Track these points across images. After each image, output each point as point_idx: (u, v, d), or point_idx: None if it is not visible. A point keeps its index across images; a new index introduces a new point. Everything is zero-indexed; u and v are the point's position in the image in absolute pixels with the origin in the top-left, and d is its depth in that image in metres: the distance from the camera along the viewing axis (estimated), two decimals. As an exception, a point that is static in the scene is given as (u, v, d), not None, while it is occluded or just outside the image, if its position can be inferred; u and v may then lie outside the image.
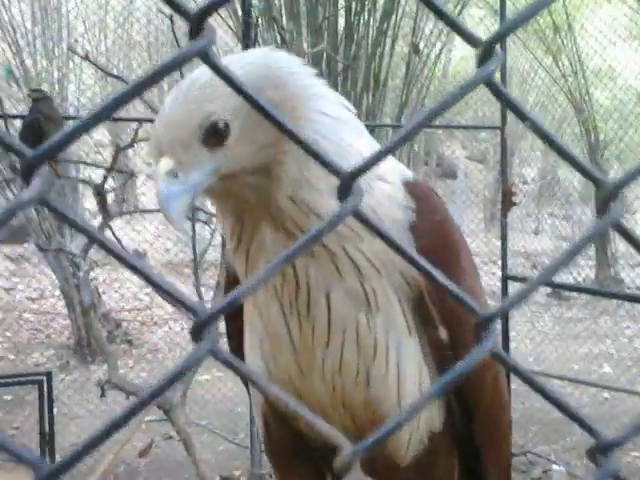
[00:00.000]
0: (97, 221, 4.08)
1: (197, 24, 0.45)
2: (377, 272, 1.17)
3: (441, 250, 1.19)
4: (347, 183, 0.53)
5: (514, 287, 4.44)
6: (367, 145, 1.19)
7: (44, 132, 3.31)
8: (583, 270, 10.65)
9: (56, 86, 7.73)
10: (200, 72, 1.07)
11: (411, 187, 1.21)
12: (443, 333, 1.24)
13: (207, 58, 0.46)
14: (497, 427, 1.46)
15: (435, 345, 1.26)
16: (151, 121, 4.46)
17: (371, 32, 5.65)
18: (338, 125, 1.14)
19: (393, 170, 1.23)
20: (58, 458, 4.35)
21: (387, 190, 1.18)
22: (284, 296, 1.19)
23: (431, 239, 1.19)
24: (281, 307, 1.21)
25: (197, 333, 0.50)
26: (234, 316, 1.39)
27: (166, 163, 1.05)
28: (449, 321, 1.24)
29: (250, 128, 1.07)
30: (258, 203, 1.13)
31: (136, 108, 7.51)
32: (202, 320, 0.49)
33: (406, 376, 1.24)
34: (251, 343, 1.34)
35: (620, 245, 10.29)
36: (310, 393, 1.27)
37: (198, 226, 4.29)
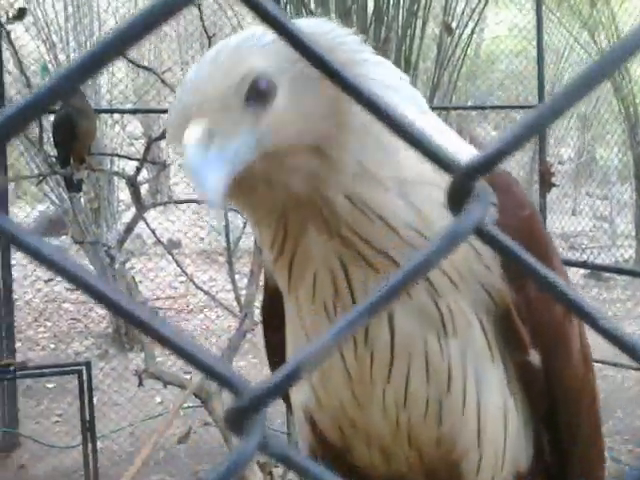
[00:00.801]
0: (131, 212, 4.12)
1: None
2: (454, 287, 0.97)
3: (531, 251, 1.03)
4: (464, 184, 0.39)
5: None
6: (430, 120, 1.01)
7: (76, 126, 3.34)
8: (621, 250, 10.40)
9: (89, 80, 7.81)
10: (229, 39, 0.93)
11: (491, 177, 1.04)
12: (535, 357, 1.03)
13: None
14: (593, 462, 1.23)
15: (523, 372, 1.05)
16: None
17: (401, 13, 5.55)
18: (391, 93, 0.93)
19: (468, 156, 1.05)
20: (99, 445, 4.45)
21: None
22: (337, 315, 0.99)
23: (519, 239, 1.01)
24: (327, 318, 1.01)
25: (239, 420, 0.37)
26: (271, 326, 1.22)
27: (196, 128, 0.83)
28: (543, 342, 1.04)
29: (300, 93, 0.88)
30: (306, 199, 0.92)
31: (167, 98, 7.56)
32: (246, 405, 0.37)
33: (488, 410, 1.03)
34: None
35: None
36: (368, 425, 1.08)
37: (231, 214, 4.30)
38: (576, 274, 9.24)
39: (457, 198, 0.39)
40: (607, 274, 9.51)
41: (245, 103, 0.86)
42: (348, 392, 1.05)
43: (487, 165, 0.39)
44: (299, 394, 1.13)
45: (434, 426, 1.04)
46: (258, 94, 0.86)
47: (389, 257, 0.93)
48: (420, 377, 1.01)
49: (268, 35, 0.87)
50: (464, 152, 0.98)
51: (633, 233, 10.13)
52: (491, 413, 1.04)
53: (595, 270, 8.39)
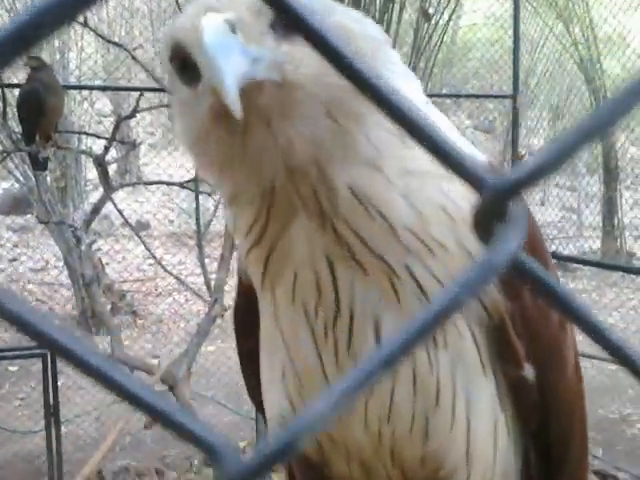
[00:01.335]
0: (99, 192, 4.02)
1: None
2: None
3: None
4: (497, 206, 0.33)
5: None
6: (435, 113, 0.94)
7: (43, 102, 3.22)
8: (589, 241, 10.58)
9: (57, 54, 7.60)
10: None
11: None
12: (529, 371, 0.97)
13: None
14: (581, 473, 1.19)
15: (516, 386, 0.99)
16: (153, 90, 4.37)
17: (378, -2, 5.50)
18: (403, 83, 0.86)
19: (468, 152, 0.91)
20: (63, 429, 4.36)
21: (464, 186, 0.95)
22: (318, 320, 0.91)
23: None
24: (312, 333, 0.93)
25: None
26: (245, 331, 1.10)
27: (218, 16, 0.74)
28: (538, 353, 0.98)
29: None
30: (303, 176, 0.81)
31: (138, 76, 7.39)
32: None
33: (478, 426, 0.97)
34: (270, 374, 1.05)
35: (627, 215, 10.21)
36: (348, 439, 1.00)
37: (202, 197, 4.23)
38: (543, 264, 9.36)
39: (488, 221, 0.33)
40: (574, 265, 9.67)
41: (270, 25, 0.78)
42: None
43: (526, 184, 0.33)
44: (273, 402, 1.05)
45: (419, 443, 0.97)
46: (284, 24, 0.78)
47: (382, 259, 0.87)
48: (406, 390, 0.93)
49: None
50: (467, 149, 0.93)
51: (600, 225, 10.31)
52: (481, 430, 0.97)
53: (563, 261, 8.50)
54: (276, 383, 1.02)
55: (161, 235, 10.17)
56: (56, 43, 7.70)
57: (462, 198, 0.87)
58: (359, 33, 0.85)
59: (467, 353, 0.94)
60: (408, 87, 0.88)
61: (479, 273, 0.32)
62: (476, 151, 0.97)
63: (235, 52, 0.71)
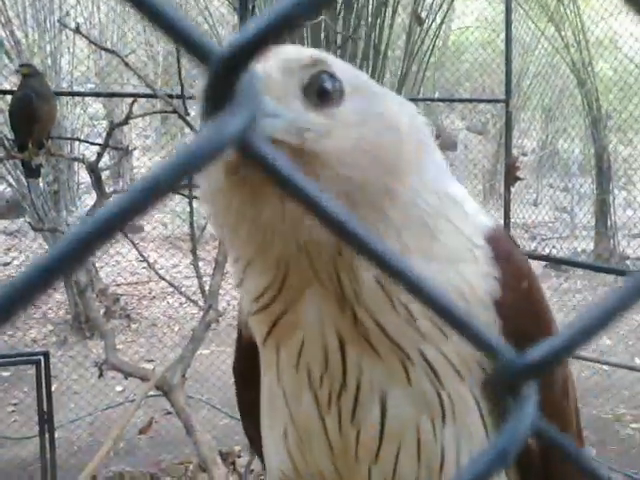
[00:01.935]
0: (92, 195, 4.01)
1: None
2: (459, 377, 0.88)
3: (533, 329, 0.93)
4: (512, 383, 0.33)
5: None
6: (469, 201, 0.91)
7: (35, 109, 3.22)
8: (581, 242, 10.62)
9: (49, 59, 7.58)
10: None
11: (495, 245, 0.91)
12: (532, 442, 0.95)
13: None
14: None
15: (521, 457, 0.94)
16: (146, 96, 4.38)
17: (371, 1, 5.52)
18: (445, 178, 0.88)
19: (476, 221, 0.92)
20: (57, 435, 4.35)
21: (477, 258, 0.88)
22: (322, 389, 0.89)
23: (521, 317, 0.92)
24: (315, 398, 0.90)
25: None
26: (245, 383, 1.08)
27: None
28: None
29: (364, 125, 0.77)
30: (325, 253, 0.78)
31: (130, 80, 7.37)
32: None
33: None
34: (271, 431, 1.02)
35: (620, 216, 10.25)
36: None
37: (196, 201, 4.22)
38: (535, 263, 9.41)
39: (501, 394, 0.33)
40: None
41: (303, 91, 0.76)
42: (329, 464, 0.95)
43: (542, 368, 0.33)
44: (273, 457, 1.02)
45: None
46: (320, 91, 0.77)
47: (399, 346, 0.84)
48: (410, 458, 0.91)
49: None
50: (475, 213, 0.92)
51: (592, 225, 10.35)
52: None
53: (556, 263, 8.55)
54: (277, 439, 1.00)
55: (155, 238, 10.15)
56: (48, 48, 7.69)
57: (477, 277, 0.87)
58: (407, 126, 0.82)
59: (473, 426, 0.92)
60: (448, 185, 0.88)
61: (501, 450, 0.32)
62: (487, 218, 0.96)
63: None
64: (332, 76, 0.77)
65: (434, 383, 0.87)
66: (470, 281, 0.87)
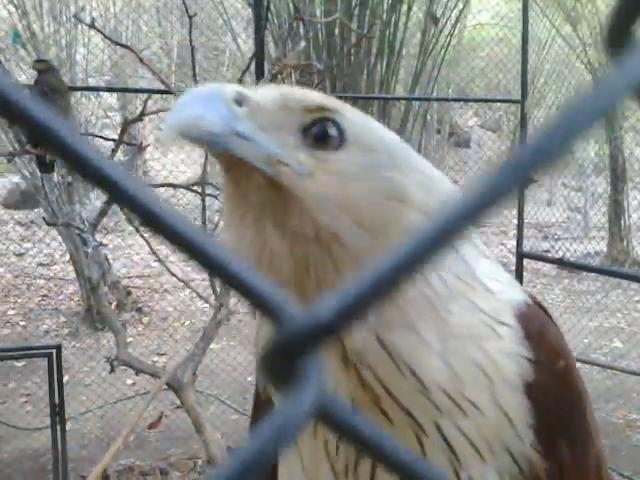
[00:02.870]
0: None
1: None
2: (480, 458, 0.82)
3: (566, 415, 0.87)
4: (294, 354, 0.32)
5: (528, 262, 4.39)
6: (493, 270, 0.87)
7: (50, 105, 3.24)
8: (594, 243, 10.56)
9: (64, 52, 7.62)
10: None
11: (526, 323, 0.86)
12: (537, 459, 0.88)
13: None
14: None
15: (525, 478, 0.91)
16: (160, 92, 4.38)
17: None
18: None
19: (503, 297, 0.86)
20: (68, 427, 4.40)
21: (502, 338, 0.83)
22: (339, 460, 0.85)
23: (553, 401, 0.86)
24: (333, 469, 0.86)
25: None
26: None
27: (236, 87, 0.72)
28: None
29: (363, 177, 0.75)
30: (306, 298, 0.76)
31: (145, 76, 7.40)
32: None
33: None
34: None
35: (633, 217, 10.17)
36: None
37: (208, 198, 4.24)
38: (548, 265, 9.36)
39: (276, 370, 0.33)
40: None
41: (303, 132, 0.76)
42: None
43: (332, 327, 0.32)
44: None
45: None
46: (319, 135, 0.76)
47: (409, 414, 0.79)
48: None
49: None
50: (505, 287, 0.87)
51: (606, 225, 10.28)
52: None
53: (569, 266, 8.49)
54: None
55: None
56: (63, 41, 7.72)
57: (502, 355, 0.82)
58: (420, 203, 0.78)
59: None
60: (473, 264, 0.83)
61: None
62: (519, 293, 0.90)
63: (217, 109, 0.69)
64: (336, 124, 0.76)
65: (452, 462, 0.81)
66: (494, 359, 0.82)
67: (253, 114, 0.72)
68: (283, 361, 0.31)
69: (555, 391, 0.85)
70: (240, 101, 0.72)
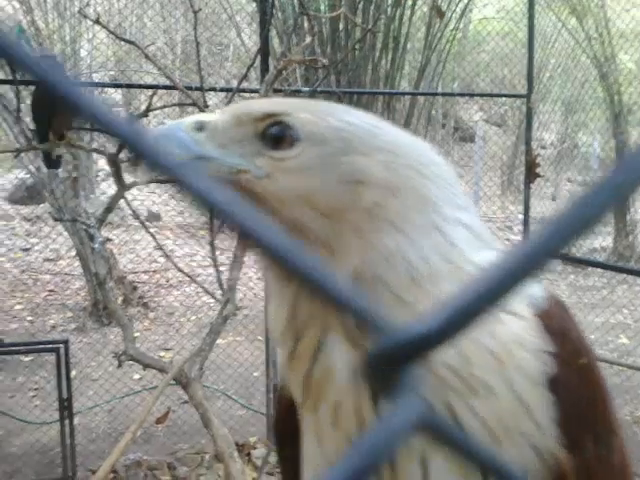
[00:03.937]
0: (111, 181, 4.05)
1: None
2: (497, 443, 0.82)
3: (588, 411, 0.88)
4: (396, 367, 0.33)
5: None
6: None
7: (54, 101, 3.24)
8: (600, 238, 10.52)
9: (69, 47, 7.63)
10: None
11: (547, 320, 0.86)
12: (566, 461, 0.88)
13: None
14: None
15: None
16: (165, 88, 4.39)
17: (391, -6, 5.48)
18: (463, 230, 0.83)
19: (524, 292, 0.85)
20: (76, 421, 4.43)
21: (517, 329, 0.83)
22: None
23: (577, 398, 0.86)
24: None
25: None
26: (285, 441, 1.07)
27: (195, 117, 0.85)
28: None
29: (317, 167, 0.81)
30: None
31: (150, 71, 7.41)
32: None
33: None
34: None
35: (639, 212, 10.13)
36: None
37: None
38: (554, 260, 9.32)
39: (380, 380, 0.34)
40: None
41: (261, 139, 0.84)
42: None
43: (436, 341, 0.33)
44: None
45: None
46: (273, 138, 0.83)
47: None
48: None
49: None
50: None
51: (611, 221, 10.25)
52: None
53: (574, 262, 8.47)
54: None
55: (172, 225, 10.22)
56: (68, 36, 7.73)
57: (514, 342, 0.83)
58: (382, 180, 0.81)
59: None
60: (473, 252, 0.83)
61: None
62: (538, 288, 0.90)
63: (178, 140, 0.82)
64: (286, 125, 0.83)
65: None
66: (506, 346, 0.82)
67: (213, 136, 0.84)
68: (388, 371, 0.32)
69: (578, 386, 0.86)
70: (200, 128, 0.84)
